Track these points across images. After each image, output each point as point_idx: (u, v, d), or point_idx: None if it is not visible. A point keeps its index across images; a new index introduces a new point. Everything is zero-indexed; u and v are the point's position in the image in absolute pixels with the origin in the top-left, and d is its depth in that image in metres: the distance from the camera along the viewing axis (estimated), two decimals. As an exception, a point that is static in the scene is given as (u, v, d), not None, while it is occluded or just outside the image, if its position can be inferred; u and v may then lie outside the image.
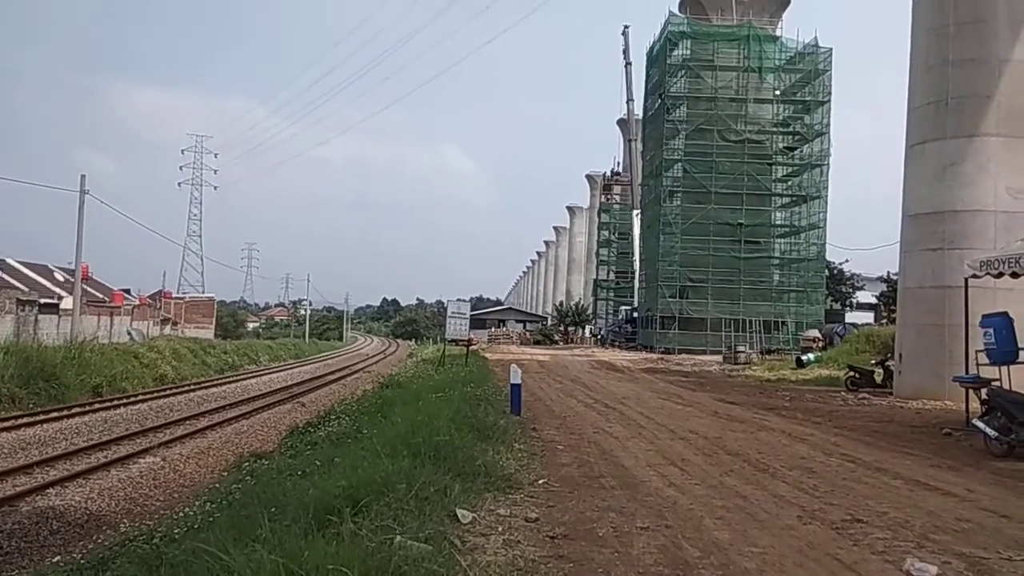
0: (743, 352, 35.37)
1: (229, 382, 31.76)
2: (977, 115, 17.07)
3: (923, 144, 18.01)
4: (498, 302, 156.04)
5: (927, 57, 18.13)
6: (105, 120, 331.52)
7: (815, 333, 37.13)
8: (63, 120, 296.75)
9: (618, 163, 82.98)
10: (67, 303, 39.22)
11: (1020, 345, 10.90)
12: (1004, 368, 10.87)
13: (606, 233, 78.31)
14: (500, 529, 5.57)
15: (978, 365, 11.38)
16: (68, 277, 43.52)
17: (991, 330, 11.00)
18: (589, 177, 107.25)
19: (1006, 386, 10.58)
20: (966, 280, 12.63)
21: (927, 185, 17.80)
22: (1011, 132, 16.84)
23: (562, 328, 73.36)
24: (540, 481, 7.47)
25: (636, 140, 64.17)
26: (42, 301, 38.89)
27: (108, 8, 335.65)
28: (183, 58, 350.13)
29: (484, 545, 5.12)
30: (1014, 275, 11.39)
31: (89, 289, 46.35)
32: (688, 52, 51.00)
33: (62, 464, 13.31)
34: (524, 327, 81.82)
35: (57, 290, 43.97)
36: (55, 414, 18.66)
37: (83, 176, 34.11)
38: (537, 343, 64.20)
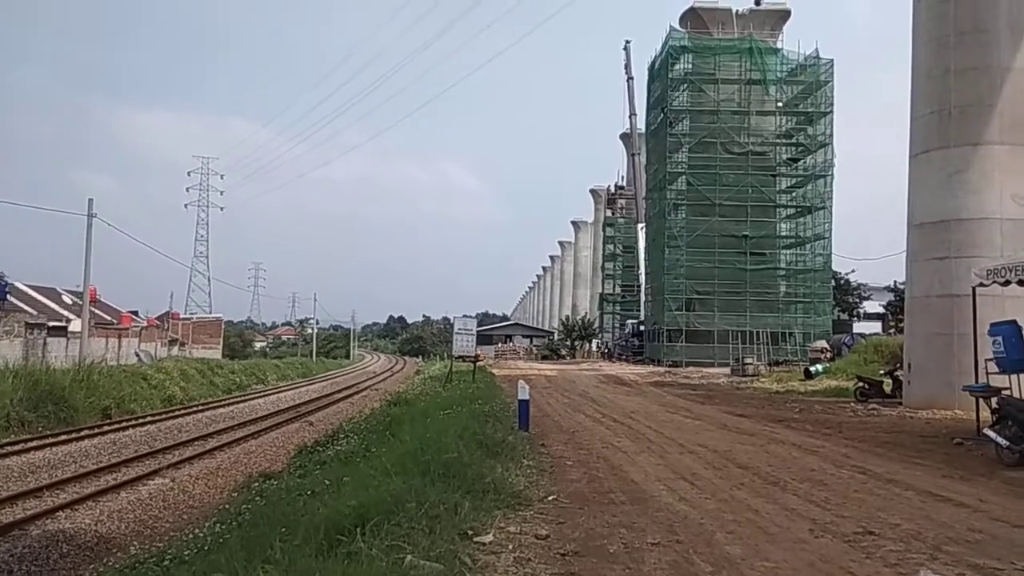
0: (751, 364, 35.25)
1: (237, 402, 31.78)
2: (980, 124, 17.08)
3: (927, 153, 18.01)
4: (504, 317, 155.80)
5: (929, 66, 18.17)
6: (111, 143, 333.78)
7: (823, 344, 36.99)
8: (70, 144, 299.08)
9: (622, 177, 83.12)
10: (75, 326, 39.39)
11: (1030, 353, 10.84)
12: (1014, 377, 10.81)
13: (611, 247, 78.38)
14: (511, 547, 5.55)
15: (988, 374, 11.32)
16: (76, 300, 43.70)
17: (1000, 338, 10.94)
18: (593, 191, 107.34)
19: (1016, 395, 10.52)
20: (973, 289, 12.59)
21: (932, 194, 17.79)
22: (1015, 140, 16.85)
23: (569, 343, 73.30)
24: (550, 497, 7.44)
25: (639, 154, 64.33)
26: (51, 324, 39.07)
27: (110, 31, 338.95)
28: (188, 80, 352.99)
29: (495, 563, 5.11)
30: (1021, 283, 11.36)
31: (97, 311, 46.52)
32: (690, 66, 51.24)
33: (71, 487, 13.31)
34: (531, 342, 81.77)
35: (65, 313, 44.14)
36: (64, 437, 18.69)
37: (91, 200, 34.39)
38: (544, 358, 64.14)
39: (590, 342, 73.52)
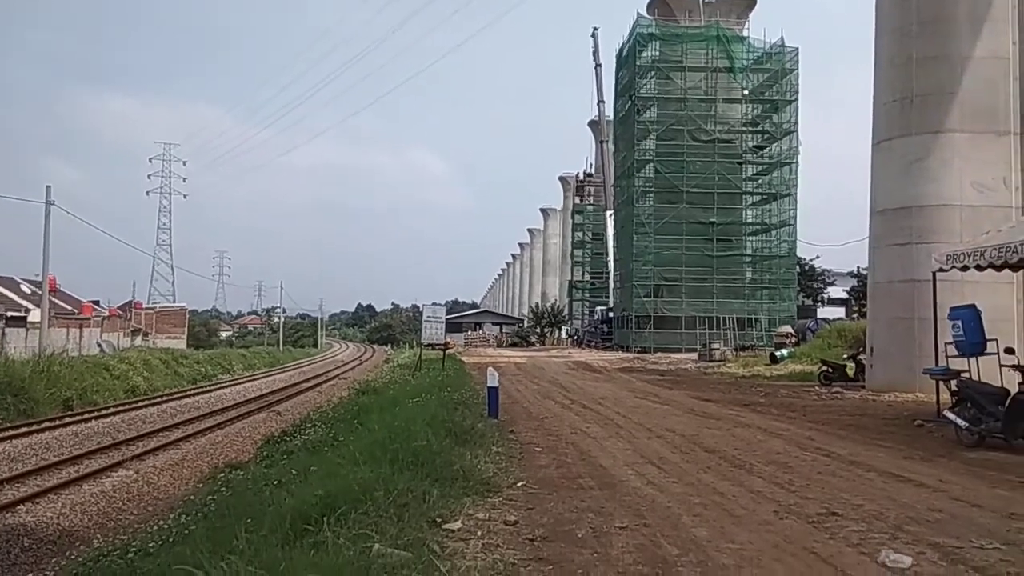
0: (718, 349, 35.65)
1: (202, 392, 31.37)
2: (941, 112, 17.34)
3: (889, 141, 18.27)
4: (474, 305, 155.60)
5: (891, 55, 18.41)
6: (71, 129, 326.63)
7: (788, 329, 37.51)
8: (28, 129, 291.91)
9: (590, 164, 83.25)
10: (35, 316, 38.57)
11: (988, 337, 11.08)
12: (973, 359, 11.04)
13: (580, 234, 78.64)
14: (479, 533, 5.54)
15: (947, 357, 11.53)
16: (35, 289, 42.78)
17: (959, 322, 11.14)
18: (562, 179, 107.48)
19: (975, 377, 10.74)
20: (934, 274, 12.81)
21: (894, 181, 18.06)
22: (975, 128, 17.13)
23: (538, 330, 73.43)
24: (519, 484, 7.45)
25: (608, 141, 64.44)
26: (9, 314, 38.22)
27: (72, 17, 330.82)
28: (150, 65, 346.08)
29: (463, 550, 5.10)
30: (979, 268, 11.58)
31: (57, 301, 45.60)
32: (657, 53, 51.45)
33: (33, 480, 13.06)
34: (500, 329, 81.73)
35: (24, 303, 43.20)
36: (24, 429, 18.30)
37: (48, 187, 33.71)
38: (514, 345, 64.20)
39: (559, 329, 73.77)
